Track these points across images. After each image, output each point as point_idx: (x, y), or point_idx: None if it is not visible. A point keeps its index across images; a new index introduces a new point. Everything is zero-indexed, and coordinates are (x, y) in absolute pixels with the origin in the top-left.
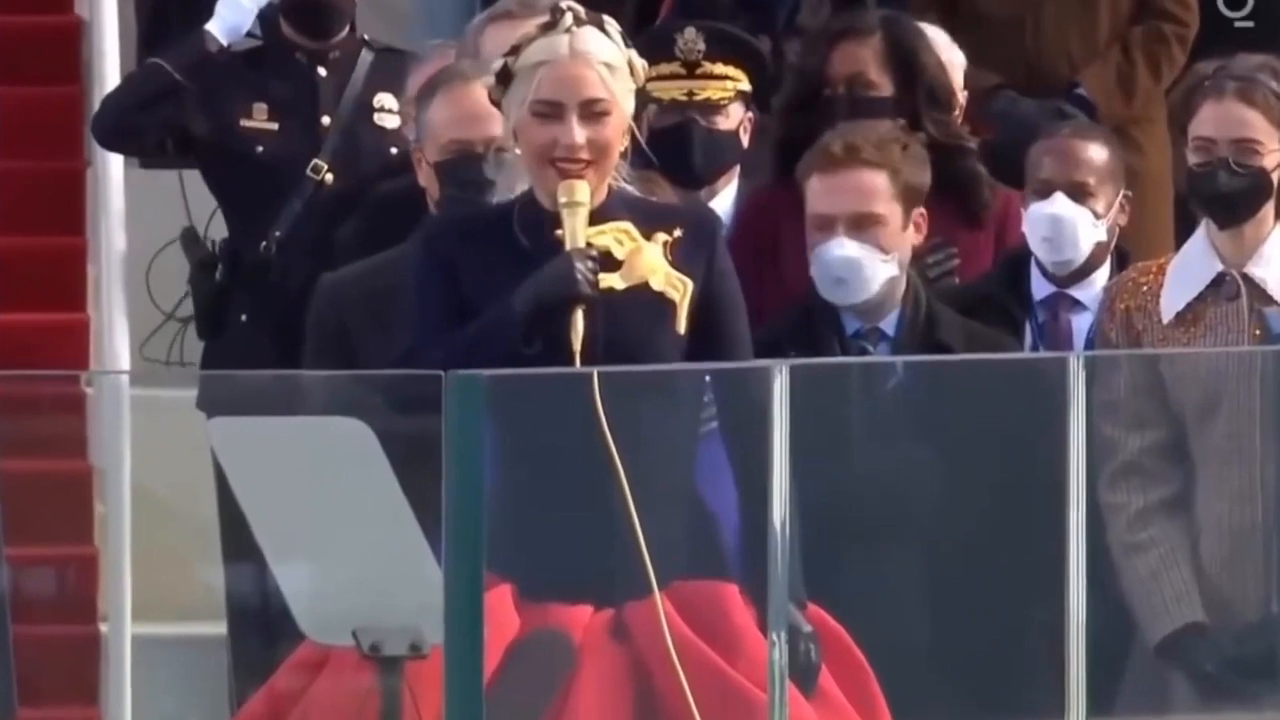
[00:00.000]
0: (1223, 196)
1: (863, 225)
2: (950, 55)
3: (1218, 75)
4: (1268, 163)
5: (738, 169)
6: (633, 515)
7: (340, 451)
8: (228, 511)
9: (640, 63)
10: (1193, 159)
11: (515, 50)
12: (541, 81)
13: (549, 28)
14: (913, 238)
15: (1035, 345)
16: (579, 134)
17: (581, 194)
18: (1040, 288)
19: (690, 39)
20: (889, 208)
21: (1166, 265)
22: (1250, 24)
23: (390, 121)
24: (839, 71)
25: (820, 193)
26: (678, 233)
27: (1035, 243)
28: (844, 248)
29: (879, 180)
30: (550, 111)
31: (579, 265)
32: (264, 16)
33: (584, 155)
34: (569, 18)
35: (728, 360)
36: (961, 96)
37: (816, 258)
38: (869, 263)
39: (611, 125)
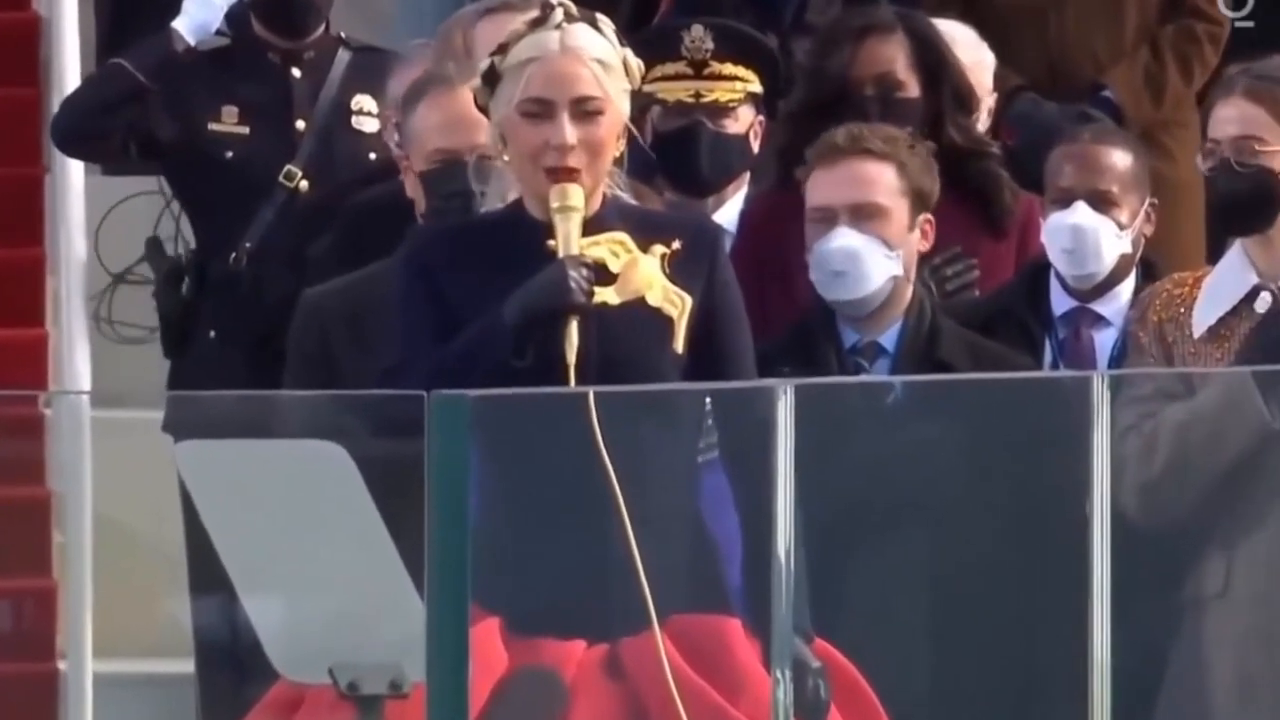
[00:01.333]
0: (1225, 199)
1: (865, 215)
2: (979, 55)
3: (1237, 75)
4: (1275, 163)
5: (747, 177)
6: (631, 544)
7: (316, 477)
8: (196, 541)
9: (636, 63)
10: (1203, 165)
11: (502, 49)
12: (530, 79)
13: (538, 24)
14: (918, 243)
15: (1055, 363)
16: (570, 133)
17: (575, 198)
18: (1060, 302)
19: (698, 37)
20: (894, 201)
21: (1203, 278)
22: (1250, 24)
23: (369, 125)
24: (866, 71)
25: (821, 184)
26: (676, 244)
27: (1055, 255)
28: (844, 237)
29: (885, 171)
30: (540, 110)
31: (573, 273)
32: (233, 14)
33: (575, 157)
34: (559, 13)
35: (730, 378)
36: (991, 99)
37: (814, 252)
38: (870, 254)
39: (605, 126)
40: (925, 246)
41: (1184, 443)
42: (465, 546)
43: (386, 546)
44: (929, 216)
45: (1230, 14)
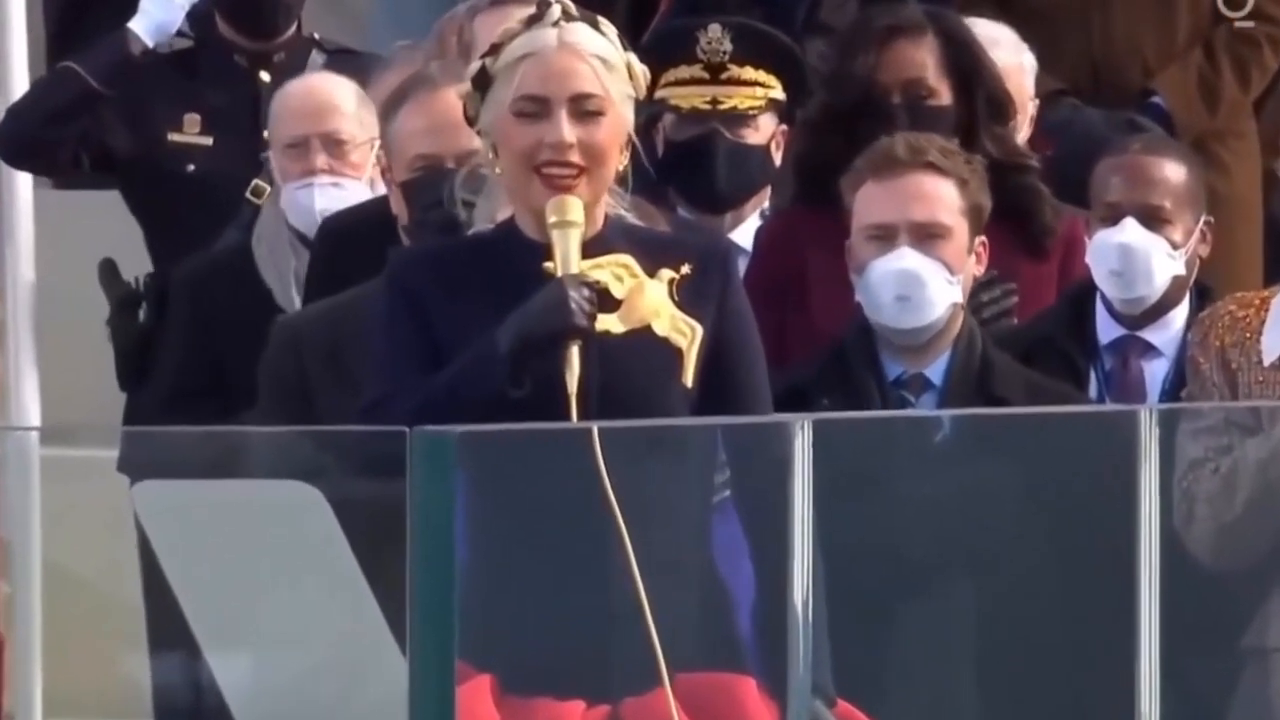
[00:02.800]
0: None
1: (929, 236)
2: (1018, 57)
3: None
4: None
5: (768, 192)
6: (640, 593)
7: (288, 521)
8: (155, 592)
9: (641, 69)
10: None
11: (494, 50)
12: (524, 76)
13: (534, 22)
14: (973, 268)
15: (1101, 396)
16: (568, 132)
17: (574, 212)
18: (1107, 329)
19: (715, 37)
20: (957, 221)
21: (1270, 299)
22: (1250, 24)
23: None
24: (893, 77)
25: (878, 199)
26: (686, 268)
27: (1102, 277)
28: (907, 259)
29: (948, 188)
30: (535, 109)
31: (573, 293)
32: (196, 13)
33: (574, 158)
34: (556, 10)
35: (744, 413)
36: (1032, 106)
37: (870, 273)
38: (933, 279)
39: (606, 129)
40: (979, 271)
41: (1268, 480)
42: (451, 597)
43: (365, 598)
44: (983, 239)
45: (1230, 14)
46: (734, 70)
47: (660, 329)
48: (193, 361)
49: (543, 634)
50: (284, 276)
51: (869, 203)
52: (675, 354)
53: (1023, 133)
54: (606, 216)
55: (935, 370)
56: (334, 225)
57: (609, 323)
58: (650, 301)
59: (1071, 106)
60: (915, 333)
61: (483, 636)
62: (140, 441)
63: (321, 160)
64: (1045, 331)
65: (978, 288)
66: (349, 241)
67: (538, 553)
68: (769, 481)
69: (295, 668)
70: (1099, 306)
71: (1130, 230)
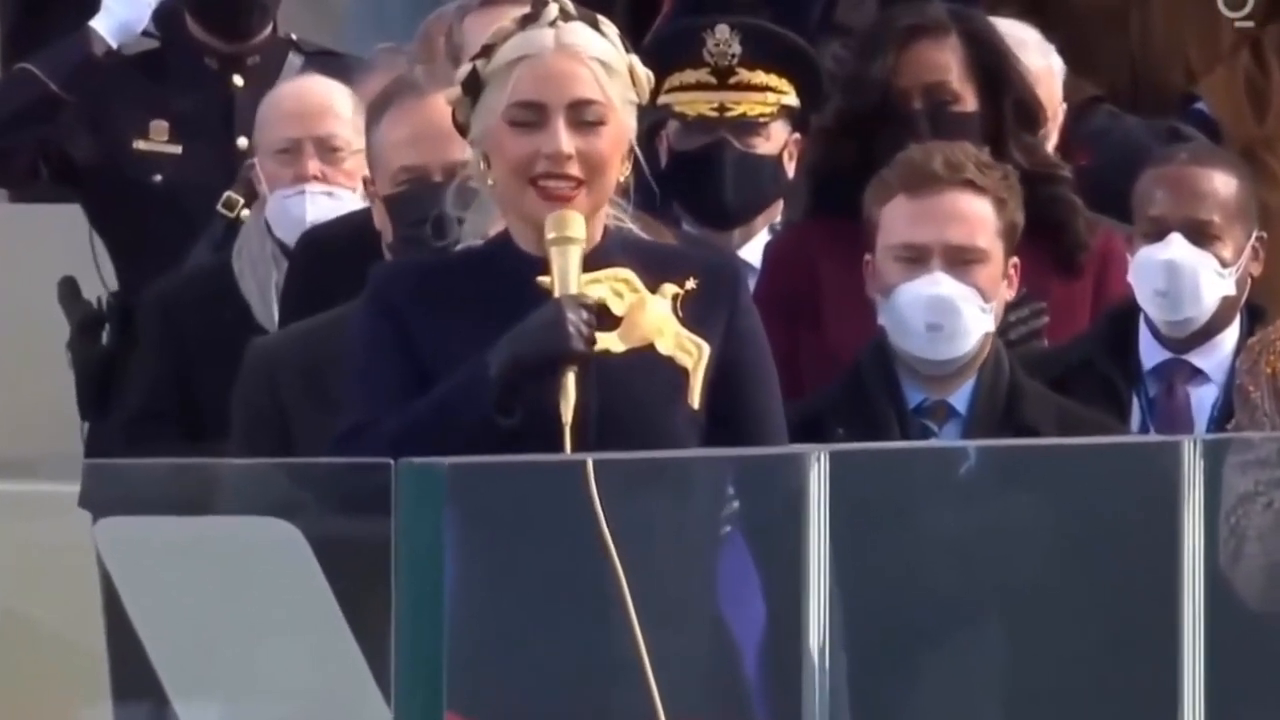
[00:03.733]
0: None
1: (964, 260)
2: (1046, 59)
3: None
4: None
5: (780, 206)
6: (637, 638)
7: (263, 560)
8: (120, 637)
9: (645, 73)
10: None
11: (486, 51)
12: (519, 80)
13: (529, 21)
14: (1006, 293)
15: (1145, 425)
16: (566, 141)
17: (574, 228)
18: (1151, 353)
19: (723, 39)
20: (993, 244)
21: None
22: (1250, 24)
23: None
24: (914, 80)
25: (910, 216)
26: (691, 283)
27: (1146, 297)
28: (941, 285)
29: (985, 209)
30: (531, 117)
31: (571, 315)
32: (163, 11)
33: (572, 170)
34: (553, 9)
35: (754, 442)
36: (1061, 111)
37: (898, 297)
38: (969, 309)
39: (607, 138)
40: (1011, 295)
41: None
42: (440, 642)
43: (346, 642)
44: (1015, 260)
45: (1230, 14)
46: (743, 74)
47: (664, 347)
48: (162, 383)
49: (537, 682)
50: (265, 292)
51: (899, 220)
52: (680, 374)
53: (1051, 141)
54: (606, 228)
55: (959, 397)
56: (314, 238)
57: (608, 341)
58: (652, 318)
59: (1109, 114)
60: (944, 364)
61: (473, 685)
62: (103, 475)
63: (314, 166)
64: (1084, 355)
65: (1005, 308)
66: (329, 256)
67: (533, 595)
68: (781, 518)
69: (271, 717)
70: (1142, 329)
71: (1176, 247)
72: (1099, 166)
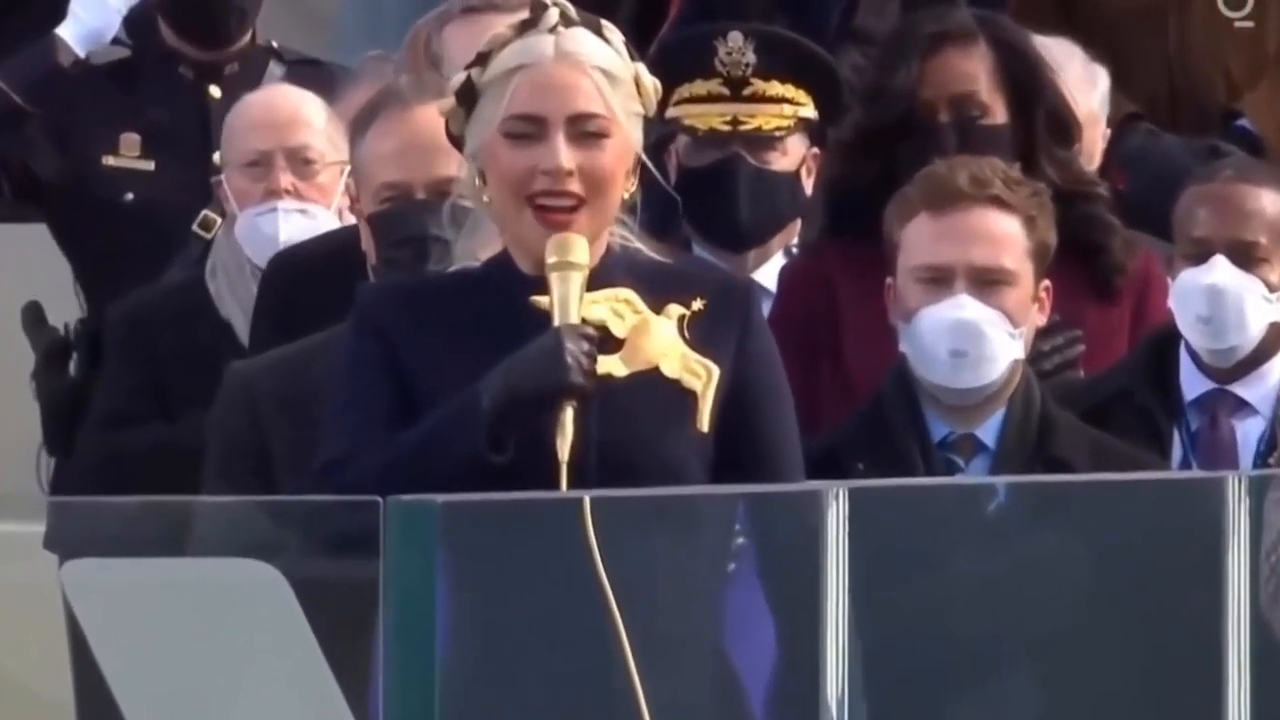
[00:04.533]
0: None
1: (990, 282)
2: (1088, 73)
3: None
4: None
5: (797, 225)
6: (635, 687)
7: (242, 604)
8: (87, 686)
9: (651, 83)
10: None
11: (481, 60)
12: (516, 91)
13: (527, 27)
14: (1036, 318)
15: (1186, 460)
16: (566, 156)
17: (577, 253)
18: (1193, 383)
19: (735, 48)
20: (1022, 265)
21: None
22: (1250, 24)
23: None
24: (940, 91)
25: (933, 235)
26: (698, 304)
27: (1187, 323)
28: (966, 308)
29: (1013, 227)
30: (528, 130)
31: (570, 346)
32: (135, 18)
33: (573, 187)
34: (553, 14)
35: (767, 473)
36: (1104, 134)
37: (920, 322)
38: (996, 334)
39: (610, 152)
40: (1043, 320)
41: None
42: (431, 690)
43: (331, 693)
44: (1047, 283)
45: (1230, 14)
46: (757, 85)
47: (670, 370)
48: (137, 391)
49: None
50: (246, 310)
51: (921, 239)
52: (688, 398)
53: (1094, 159)
54: (609, 247)
55: (988, 430)
56: (287, 259)
57: (610, 365)
58: (657, 340)
59: (1146, 132)
60: (970, 393)
61: None
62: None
63: (286, 180)
64: (1121, 386)
65: (1037, 335)
66: (303, 279)
67: (529, 640)
68: (797, 559)
69: None
70: (1184, 357)
71: (1220, 270)
72: (1136, 191)
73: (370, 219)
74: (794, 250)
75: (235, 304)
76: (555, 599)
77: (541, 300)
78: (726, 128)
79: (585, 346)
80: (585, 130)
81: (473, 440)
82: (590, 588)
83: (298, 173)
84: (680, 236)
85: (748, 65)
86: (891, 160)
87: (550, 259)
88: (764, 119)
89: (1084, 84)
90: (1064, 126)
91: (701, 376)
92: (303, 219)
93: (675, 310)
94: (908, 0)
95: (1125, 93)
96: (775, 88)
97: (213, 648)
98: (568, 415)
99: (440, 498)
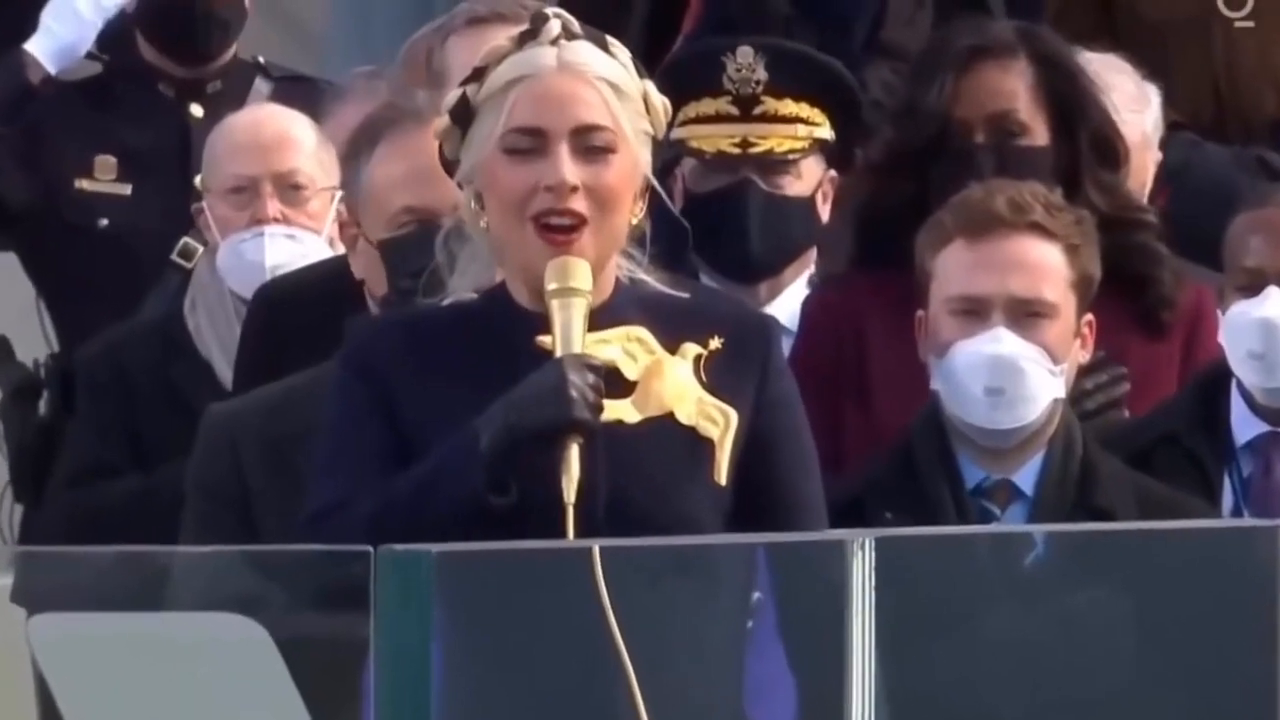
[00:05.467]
0: None
1: (1030, 315)
2: (1140, 92)
3: None
4: None
5: (813, 254)
6: None
7: (222, 662)
8: None
9: (660, 100)
10: None
11: (478, 75)
12: (516, 104)
13: (527, 39)
14: (1079, 355)
15: (1238, 508)
16: (570, 171)
17: (579, 277)
18: (1246, 426)
19: (745, 63)
20: (1064, 297)
21: None
22: (1250, 24)
23: None
24: (976, 110)
25: (968, 265)
26: (715, 343)
27: (1239, 360)
28: (1003, 343)
29: (1054, 256)
30: (529, 144)
31: (574, 378)
32: (111, 31)
33: (577, 205)
34: (555, 26)
35: (788, 526)
36: (1156, 159)
37: (954, 358)
38: (1035, 371)
39: (617, 170)
40: (1085, 357)
41: None
42: None
43: None
44: (1090, 317)
45: (1230, 14)
46: (769, 104)
47: (685, 416)
48: (110, 436)
49: None
50: (228, 350)
51: (956, 269)
52: (704, 446)
53: (1146, 189)
54: (617, 281)
55: (1025, 476)
56: (273, 290)
57: (621, 410)
58: (672, 384)
59: (1188, 143)
60: (1006, 434)
61: None
62: (39, 565)
63: (274, 208)
64: (1167, 428)
65: (1080, 372)
66: (291, 312)
67: (532, 701)
68: (820, 613)
69: None
70: (1235, 398)
71: (1274, 303)
72: (1179, 208)
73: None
74: (812, 281)
75: (215, 342)
76: (561, 658)
77: (546, 340)
78: (736, 150)
79: (590, 378)
80: (590, 144)
81: (472, 482)
82: (599, 646)
83: (286, 200)
84: (687, 266)
85: (758, 82)
86: (924, 184)
87: (550, 285)
88: (776, 140)
89: (1135, 103)
90: (1110, 148)
91: (719, 423)
92: (291, 244)
93: (691, 350)
94: (941, 11)
95: (1168, 102)
96: (788, 106)
97: (190, 709)
98: (573, 453)
99: (435, 548)
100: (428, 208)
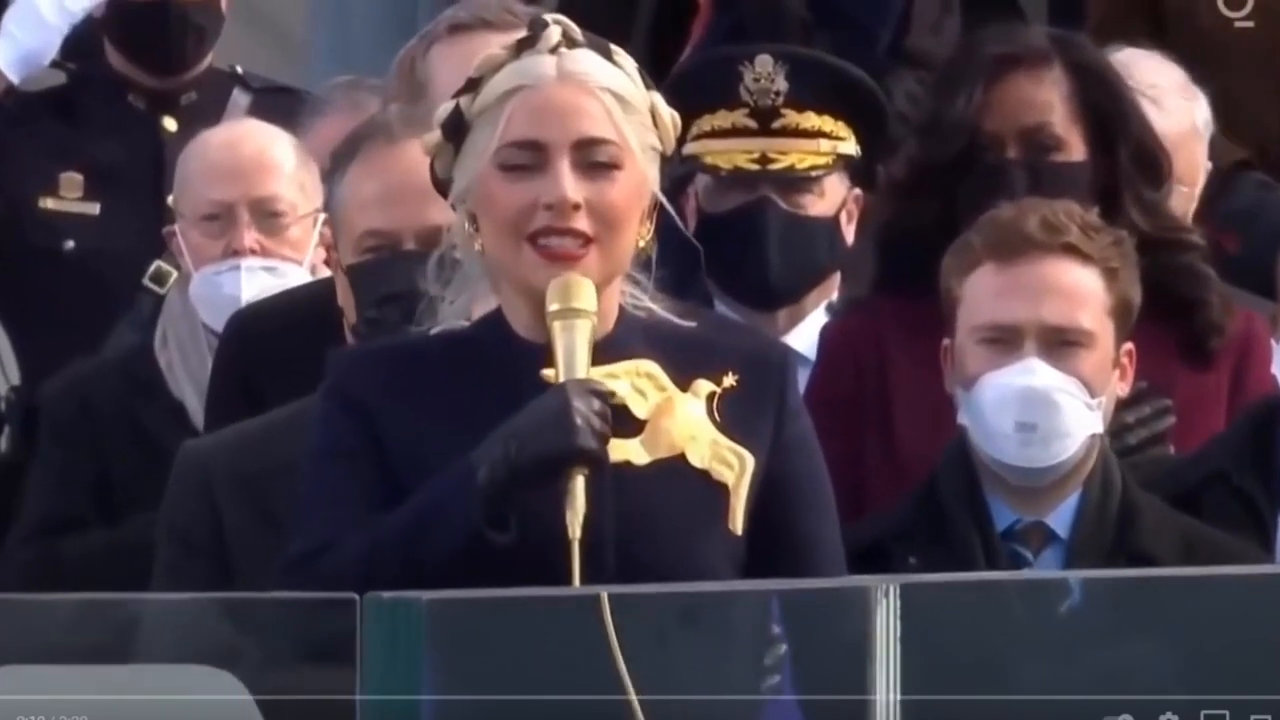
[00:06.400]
0: None
1: (1065, 344)
2: (1190, 110)
3: None
4: None
5: (836, 279)
6: None
7: (195, 717)
8: None
9: (670, 115)
10: None
11: (472, 86)
12: (514, 116)
13: (525, 47)
14: (1117, 387)
15: None
16: (572, 187)
17: (582, 297)
18: None
19: (765, 72)
20: (1101, 325)
21: None
22: (1250, 24)
23: None
24: (1008, 123)
25: (998, 290)
26: (730, 380)
27: None
28: (1036, 374)
29: (1091, 280)
30: (527, 159)
31: (579, 404)
32: (77, 39)
33: (579, 224)
34: (555, 32)
35: (805, 573)
36: (1204, 174)
37: (983, 391)
38: (1071, 405)
39: (622, 187)
40: (1124, 390)
41: None
42: None
43: None
44: (1130, 346)
45: (1230, 14)
46: (790, 116)
47: (697, 459)
48: (75, 483)
49: None
50: (201, 387)
51: (984, 294)
52: (718, 492)
53: (1196, 189)
54: (621, 309)
55: (1060, 518)
56: (249, 318)
57: (629, 451)
58: (683, 423)
59: (1258, 185)
60: (1039, 473)
61: None
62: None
63: (250, 238)
64: (1215, 466)
65: (1119, 406)
66: (268, 341)
67: None
68: (841, 665)
69: None
70: None
71: None
72: (1249, 254)
73: (350, 271)
74: (834, 308)
75: (188, 379)
76: (562, 712)
77: (548, 373)
78: (754, 166)
79: (596, 405)
80: (593, 159)
81: (468, 519)
82: (606, 701)
83: (264, 228)
84: (700, 291)
85: (778, 93)
86: (951, 203)
87: (551, 305)
88: (797, 156)
89: (1184, 91)
90: (1152, 163)
91: (734, 467)
92: (269, 278)
93: (704, 387)
94: (969, 16)
95: (1232, 134)
96: (810, 119)
97: None
98: (578, 486)
99: (426, 595)
100: (393, 230)
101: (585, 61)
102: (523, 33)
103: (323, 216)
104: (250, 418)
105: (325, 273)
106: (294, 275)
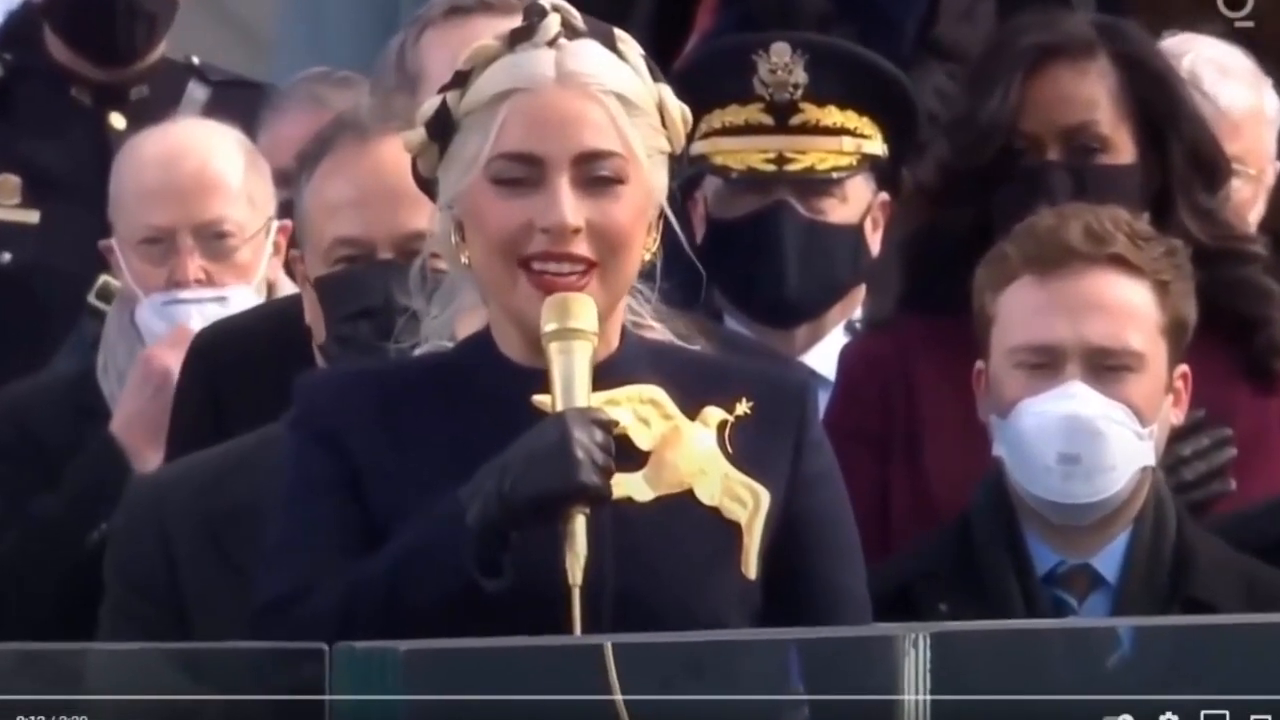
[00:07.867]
0: None
1: (1111, 368)
2: (1256, 97)
3: None
4: None
5: (860, 294)
6: None
7: None
8: None
9: (679, 109)
10: None
11: (460, 80)
12: (507, 123)
13: (520, 39)
14: (1171, 415)
15: None
16: (572, 210)
17: (583, 317)
18: None
19: (781, 63)
20: (1152, 346)
21: None
22: (1250, 24)
23: None
24: (1048, 121)
25: (1037, 307)
26: (743, 407)
27: None
28: (1079, 400)
29: (1141, 296)
30: (523, 174)
31: (580, 436)
32: (13, 27)
33: (581, 249)
34: (554, 22)
35: (827, 622)
36: (1273, 171)
37: (1020, 418)
38: (1119, 434)
39: (627, 203)
40: (1178, 418)
41: None
42: None
43: None
44: (1185, 369)
45: (1230, 14)
46: (809, 112)
47: (707, 495)
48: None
49: None
50: None
51: (1022, 312)
52: (730, 531)
53: (1256, 209)
54: (624, 330)
55: (1107, 560)
56: (209, 340)
57: (632, 486)
58: (691, 455)
59: None
60: (1084, 510)
61: None
62: None
63: (195, 266)
64: None
65: (1174, 435)
66: (233, 362)
67: None
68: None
69: None
70: None
71: None
72: None
73: (319, 284)
74: (857, 326)
75: None
76: None
77: (543, 400)
78: (770, 167)
79: (599, 437)
80: (596, 174)
81: (458, 563)
82: None
83: (209, 252)
84: (709, 308)
85: (796, 86)
86: (985, 210)
87: (548, 326)
88: (817, 156)
89: (1251, 75)
90: (1209, 165)
91: (748, 505)
92: (219, 309)
93: (714, 416)
94: (1005, 2)
95: None
96: (832, 115)
97: None
98: (579, 526)
99: (403, 645)
100: (366, 238)
101: (587, 58)
102: (519, 20)
103: (276, 225)
104: (210, 448)
105: (287, 287)
106: (243, 299)
